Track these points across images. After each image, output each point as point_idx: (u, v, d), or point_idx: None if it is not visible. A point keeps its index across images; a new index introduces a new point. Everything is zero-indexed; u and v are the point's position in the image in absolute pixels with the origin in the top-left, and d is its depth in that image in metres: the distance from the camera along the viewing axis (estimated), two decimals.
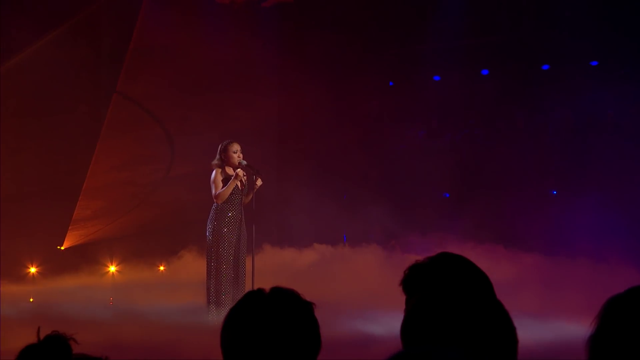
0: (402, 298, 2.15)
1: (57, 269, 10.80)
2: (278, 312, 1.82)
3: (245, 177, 7.83)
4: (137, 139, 11.30)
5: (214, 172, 7.82)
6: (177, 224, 11.26)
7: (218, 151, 7.86)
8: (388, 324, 6.72)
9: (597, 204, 10.10)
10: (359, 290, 9.00)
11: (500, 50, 11.80)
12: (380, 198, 11.34)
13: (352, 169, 12.19)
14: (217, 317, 7.44)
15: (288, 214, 11.52)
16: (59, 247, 11.31)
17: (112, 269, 11.47)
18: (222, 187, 7.74)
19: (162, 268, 11.52)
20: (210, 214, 7.81)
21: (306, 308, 1.86)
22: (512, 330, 1.70)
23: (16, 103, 10.48)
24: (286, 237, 11.56)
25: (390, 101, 12.64)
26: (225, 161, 7.82)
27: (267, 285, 1.95)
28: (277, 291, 1.88)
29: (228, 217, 7.75)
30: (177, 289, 9.34)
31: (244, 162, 7.79)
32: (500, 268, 9.68)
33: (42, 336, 2.28)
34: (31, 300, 9.51)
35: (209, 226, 7.77)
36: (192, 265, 10.40)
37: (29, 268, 11.03)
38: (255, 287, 1.95)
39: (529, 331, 7.00)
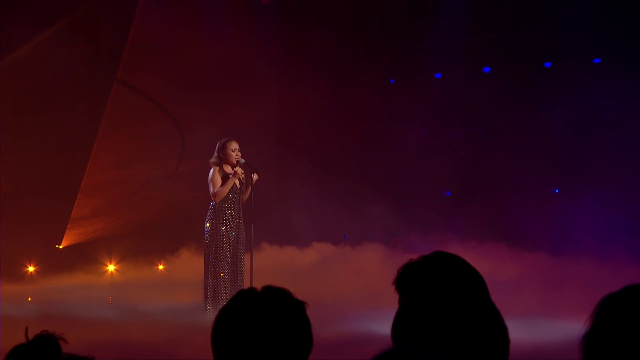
0: None
1: (56, 267, 10.77)
2: (269, 311, 1.80)
3: (243, 175, 7.77)
4: (136, 137, 11.25)
5: (211, 170, 7.76)
6: (176, 222, 11.20)
7: (216, 149, 7.80)
8: (389, 323, 6.65)
9: (599, 203, 10.07)
10: (360, 289, 8.95)
11: (501, 48, 11.76)
12: (381, 197, 11.29)
13: (353, 168, 12.14)
14: (214, 316, 7.37)
15: (288, 213, 11.47)
16: (57, 245, 11.27)
17: (111, 267, 11.42)
18: (220, 186, 7.68)
19: (161, 267, 11.49)
20: (208, 213, 7.75)
21: (298, 307, 1.84)
22: (503, 330, 1.67)
23: (14, 101, 10.44)
24: (286, 236, 11.50)
25: (391, 99, 12.58)
26: (223, 159, 7.76)
27: (264, 284, 1.93)
28: (269, 290, 1.86)
29: (226, 215, 7.70)
30: (176, 288, 9.31)
31: (242, 160, 7.73)
32: (502, 267, 9.64)
33: (31, 336, 2.22)
34: (29, 299, 9.46)
35: (207, 225, 7.72)
36: (191, 264, 10.34)
37: (27, 267, 10.99)
38: (254, 286, 1.93)
39: (532, 330, 6.96)
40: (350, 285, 9.30)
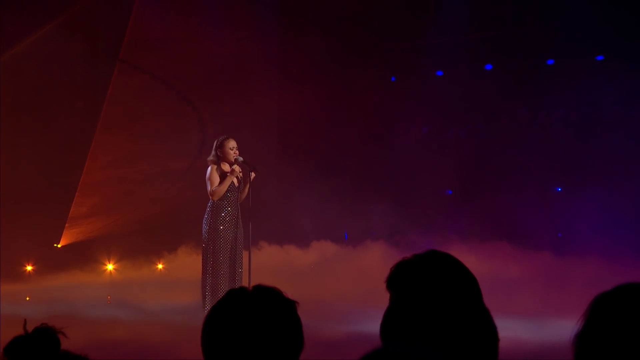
0: None
1: (54, 267, 10.73)
2: (260, 310, 1.78)
3: (241, 174, 7.70)
4: (134, 135, 11.20)
5: (209, 168, 7.69)
6: (175, 221, 11.15)
7: (214, 147, 7.72)
8: None
9: (601, 201, 10.04)
10: (361, 288, 8.88)
11: (503, 45, 11.71)
12: (382, 195, 11.25)
13: (354, 166, 12.09)
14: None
15: (288, 212, 11.42)
16: (55, 244, 11.23)
17: (110, 267, 11.38)
18: (218, 184, 7.60)
19: (160, 266, 11.44)
20: (206, 212, 7.69)
21: (289, 306, 1.82)
22: (492, 330, 1.66)
23: (12, 99, 10.38)
24: (286, 235, 11.44)
25: (392, 97, 12.51)
26: (221, 157, 7.69)
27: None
28: (260, 289, 1.84)
29: (224, 214, 7.63)
30: (175, 287, 9.29)
31: (240, 159, 7.66)
32: (503, 266, 9.61)
33: (30, 330, 2.27)
34: (27, 298, 9.42)
35: (205, 224, 7.66)
36: (191, 263, 10.29)
37: (26, 266, 10.95)
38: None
39: (533, 329, 6.91)
40: (351, 284, 9.24)
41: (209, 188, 7.63)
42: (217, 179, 7.62)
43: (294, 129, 12.52)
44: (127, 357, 6.28)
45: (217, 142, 7.73)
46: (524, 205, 10.72)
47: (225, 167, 7.70)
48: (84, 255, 11.16)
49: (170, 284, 9.71)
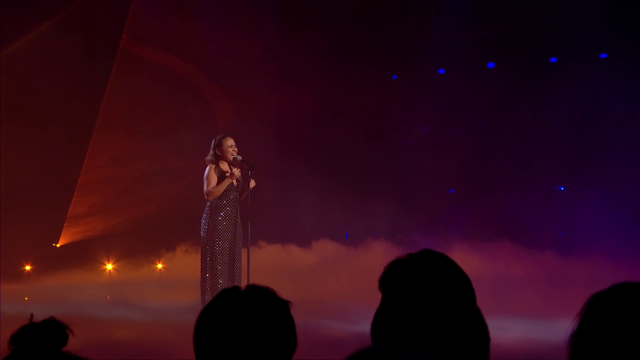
0: None
1: (53, 266, 10.70)
2: (252, 310, 1.76)
3: (240, 175, 7.63)
4: (132, 134, 11.15)
5: (207, 167, 7.61)
6: (174, 220, 11.10)
7: (212, 146, 7.65)
8: None
9: (605, 201, 9.99)
10: (361, 287, 8.81)
11: (506, 43, 11.66)
12: (384, 194, 11.20)
13: (355, 165, 12.04)
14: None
15: (289, 211, 11.37)
16: (54, 244, 11.19)
17: (109, 266, 11.34)
18: (215, 185, 7.53)
19: (159, 266, 11.40)
20: (205, 211, 7.62)
21: (282, 306, 1.80)
22: (483, 330, 1.64)
23: (10, 97, 10.34)
24: (287, 234, 11.39)
25: (393, 95, 12.46)
26: (219, 156, 7.61)
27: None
28: (252, 289, 1.83)
29: (223, 214, 7.56)
30: (175, 287, 9.26)
31: (239, 157, 7.59)
32: (505, 265, 9.57)
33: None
34: (26, 298, 9.38)
35: (204, 223, 7.59)
36: (190, 263, 10.26)
37: (24, 266, 10.91)
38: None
39: (535, 329, 6.85)
40: (352, 283, 9.18)
41: (205, 188, 7.56)
42: (214, 179, 7.55)
43: (294, 127, 12.48)
44: (127, 357, 6.26)
45: (214, 141, 7.67)
46: (526, 205, 10.67)
47: (224, 166, 7.63)
48: (83, 254, 11.13)
49: (170, 283, 9.68)
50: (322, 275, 9.82)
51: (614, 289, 1.66)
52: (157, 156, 11.35)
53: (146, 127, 11.20)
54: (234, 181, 7.61)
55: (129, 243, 11.25)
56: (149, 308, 8.46)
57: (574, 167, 11.11)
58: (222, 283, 7.46)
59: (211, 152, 7.64)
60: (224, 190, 7.53)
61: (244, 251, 7.60)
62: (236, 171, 7.55)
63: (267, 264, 9.81)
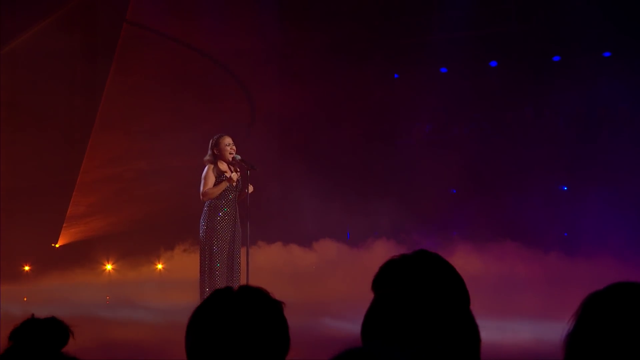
0: None
1: (52, 267, 10.68)
2: (244, 311, 1.75)
3: (239, 174, 7.57)
4: (131, 133, 11.12)
5: (205, 168, 7.55)
6: (175, 220, 11.06)
7: (209, 146, 7.59)
8: None
9: (608, 201, 9.94)
10: (363, 287, 8.76)
11: (509, 41, 11.61)
12: (385, 194, 11.17)
13: (356, 164, 11.99)
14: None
15: (290, 210, 11.32)
16: (53, 244, 11.16)
17: (109, 267, 11.31)
18: (212, 186, 7.46)
19: (160, 266, 11.36)
20: (204, 211, 7.57)
21: (275, 307, 1.79)
22: (474, 331, 1.63)
23: (9, 96, 10.31)
24: (288, 234, 11.34)
25: (395, 94, 12.40)
26: (218, 156, 7.56)
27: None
28: (245, 290, 1.82)
29: (222, 214, 7.51)
30: (175, 287, 9.25)
31: (238, 157, 7.53)
32: (509, 265, 9.54)
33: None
34: (25, 299, 9.35)
35: (202, 223, 7.55)
36: (190, 263, 10.23)
37: (24, 266, 10.89)
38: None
39: (538, 330, 6.79)
40: (354, 283, 9.12)
41: (201, 188, 7.50)
42: (211, 180, 7.49)
43: (295, 127, 12.43)
44: (127, 357, 6.27)
45: (212, 140, 7.61)
46: (529, 205, 10.62)
47: (223, 166, 7.57)
48: (82, 255, 11.11)
49: (169, 283, 9.66)
50: (323, 275, 9.79)
51: (610, 289, 1.65)
52: (156, 155, 11.32)
53: (145, 127, 11.16)
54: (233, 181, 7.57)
55: (129, 243, 11.23)
56: (149, 308, 8.45)
57: (577, 166, 11.06)
58: (220, 283, 7.41)
59: (209, 152, 7.58)
60: (223, 190, 7.48)
61: (243, 251, 7.55)
62: (234, 175, 7.49)
63: (269, 264, 9.78)
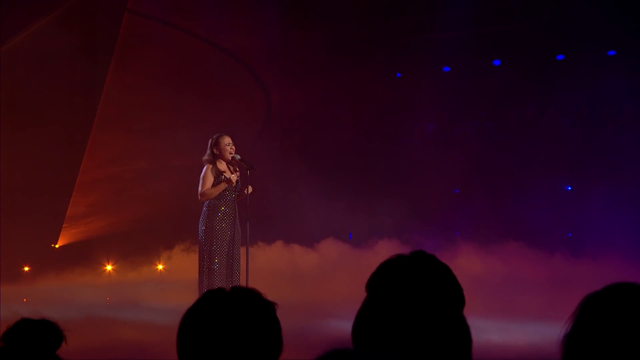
0: None
1: (52, 267, 10.65)
2: (236, 312, 1.74)
3: (238, 173, 7.51)
4: (131, 132, 11.07)
5: (204, 167, 7.49)
6: (176, 219, 11.01)
7: (209, 146, 7.54)
8: None
9: (612, 201, 9.90)
10: (364, 288, 8.72)
11: (512, 40, 11.56)
12: (387, 193, 11.13)
13: (358, 164, 11.96)
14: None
15: (292, 210, 11.28)
16: (53, 245, 11.13)
17: (109, 267, 11.27)
18: (210, 187, 7.40)
19: (160, 267, 11.32)
20: (203, 211, 7.53)
21: (267, 308, 1.78)
22: (465, 333, 1.61)
23: (8, 95, 10.27)
24: (289, 234, 11.29)
25: (397, 93, 12.36)
26: (217, 155, 7.51)
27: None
28: (238, 290, 1.81)
29: (221, 214, 7.46)
30: (175, 287, 9.21)
31: (238, 157, 7.48)
32: (512, 265, 9.51)
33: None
34: (25, 300, 9.32)
35: (201, 223, 7.50)
36: (190, 263, 10.20)
37: (23, 267, 10.86)
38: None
39: (542, 330, 6.73)
40: (355, 283, 9.06)
41: (200, 188, 7.45)
42: (210, 180, 7.44)
43: (297, 126, 12.39)
44: (127, 357, 6.25)
45: (211, 140, 7.57)
46: (532, 204, 10.56)
47: (222, 165, 7.52)
48: (82, 255, 11.08)
49: (169, 283, 9.64)
50: (325, 275, 9.76)
51: (608, 289, 1.65)
52: (156, 155, 11.28)
53: (145, 125, 11.11)
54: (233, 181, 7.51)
55: (128, 243, 11.19)
56: (149, 308, 8.45)
57: (581, 166, 11.01)
58: (219, 283, 7.36)
59: (208, 151, 7.53)
60: (222, 190, 7.42)
61: (243, 251, 7.50)
62: (234, 177, 7.45)
63: (270, 265, 9.73)
